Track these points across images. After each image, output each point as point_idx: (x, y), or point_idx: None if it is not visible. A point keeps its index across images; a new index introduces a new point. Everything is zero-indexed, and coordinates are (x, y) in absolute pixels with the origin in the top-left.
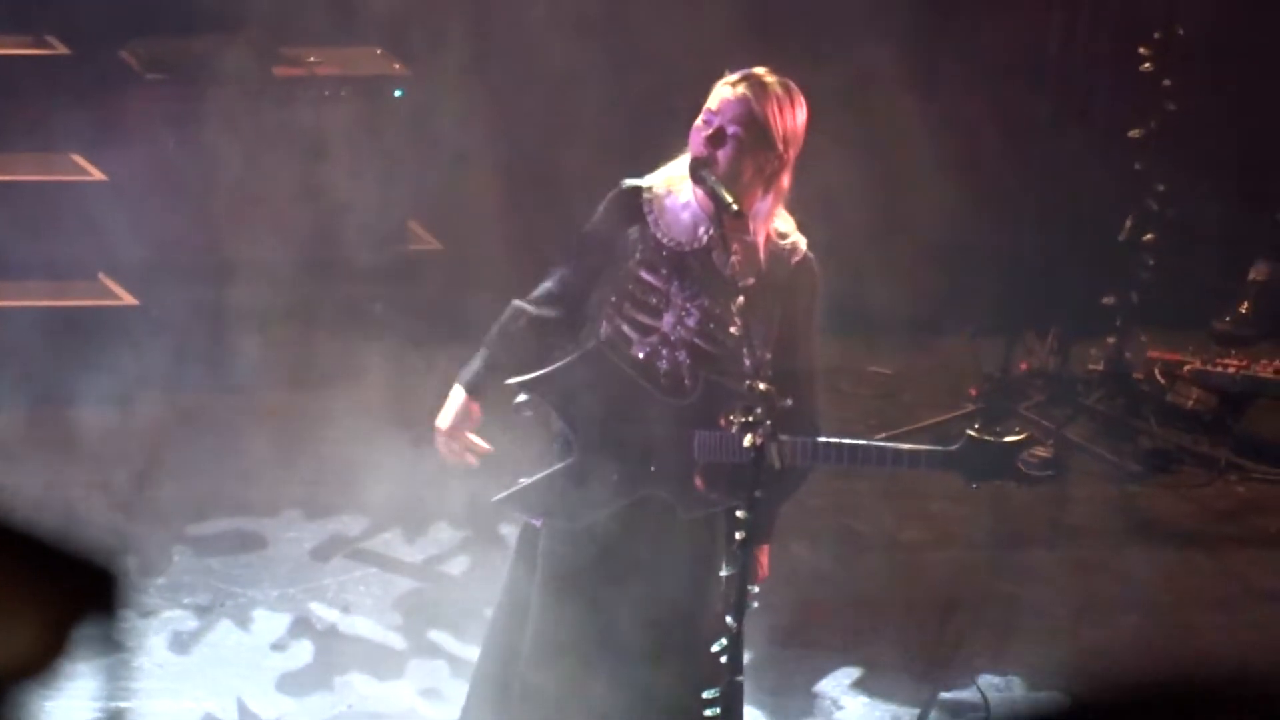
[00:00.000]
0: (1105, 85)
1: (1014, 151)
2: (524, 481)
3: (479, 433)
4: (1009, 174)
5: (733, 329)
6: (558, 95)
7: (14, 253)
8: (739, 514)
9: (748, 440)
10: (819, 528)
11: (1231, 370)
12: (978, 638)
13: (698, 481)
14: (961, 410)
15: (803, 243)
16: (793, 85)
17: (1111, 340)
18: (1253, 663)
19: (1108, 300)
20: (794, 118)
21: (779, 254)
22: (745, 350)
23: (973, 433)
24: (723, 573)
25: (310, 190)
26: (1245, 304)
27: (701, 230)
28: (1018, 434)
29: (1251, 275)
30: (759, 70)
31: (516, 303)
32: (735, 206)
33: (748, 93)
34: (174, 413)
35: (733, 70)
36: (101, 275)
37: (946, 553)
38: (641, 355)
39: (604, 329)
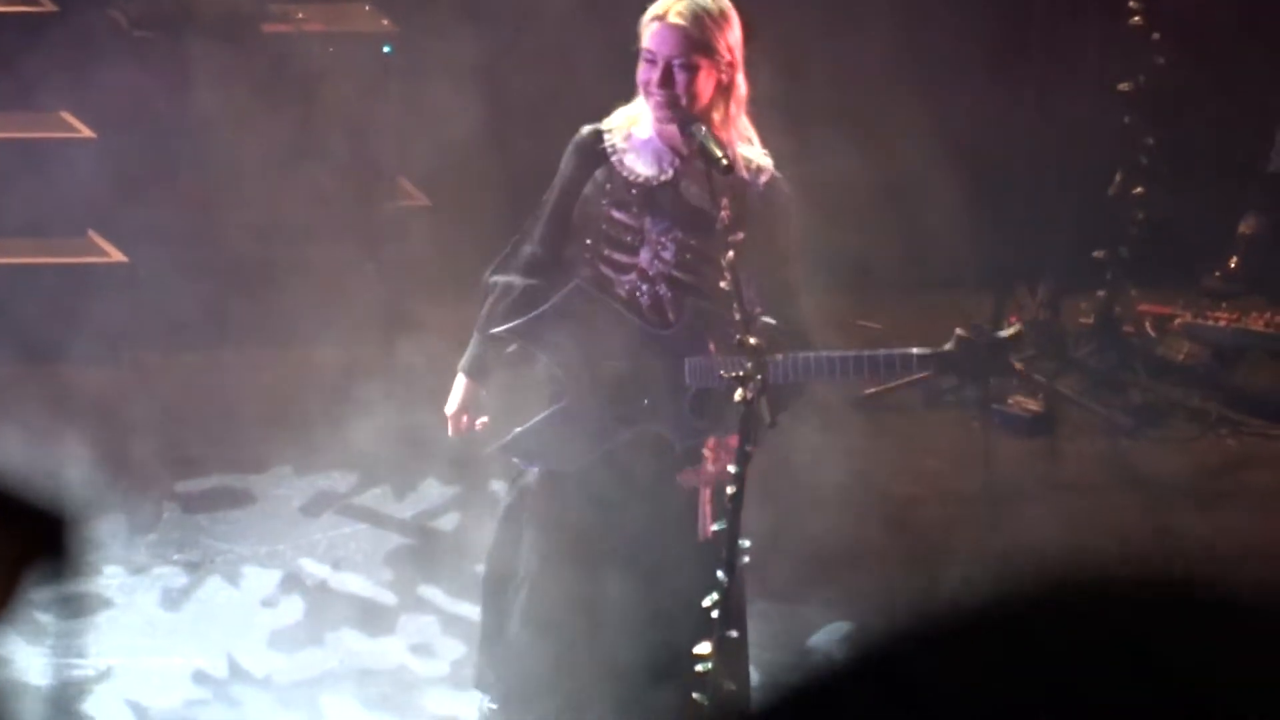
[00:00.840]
0: (1094, 38)
1: (1003, 105)
2: (518, 430)
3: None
4: (998, 127)
5: (722, 284)
6: (549, 49)
7: (3, 211)
8: (729, 468)
9: (738, 395)
10: (810, 483)
11: (1222, 323)
12: (969, 592)
13: (689, 409)
14: None
15: (769, 164)
16: None
17: (1101, 294)
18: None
19: (1098, 254)
20: (725, 19)
21: (748, 180)
22: (735, 304)
23: (962, 332)
24: (714, 527)
25: (299, 147)
26: (1235, 258)
27: (666, 163)
28: (1009, 328)
29: (1241, 229)
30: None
31: (500, 278)
32: (725, 161)
33: (675, 19)
34: (163, 370)
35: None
36: (91, 233)
37: (939, 508)
38: (623, 293)
39: (584, 273)
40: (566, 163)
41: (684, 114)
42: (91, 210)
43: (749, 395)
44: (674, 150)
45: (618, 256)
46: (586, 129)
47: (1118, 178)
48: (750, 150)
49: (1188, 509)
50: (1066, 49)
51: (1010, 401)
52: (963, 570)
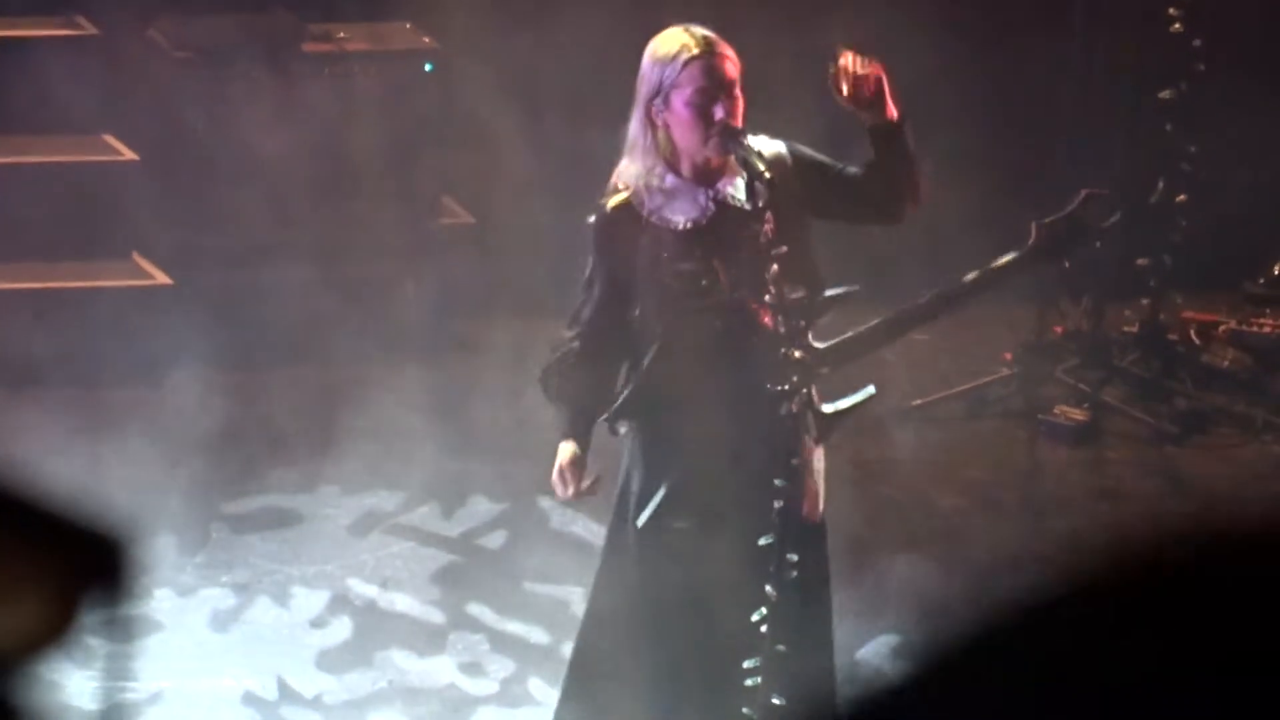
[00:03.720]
0: (1133, 44)
1: (1043, 113)
2: (662, 492)
3: None
4: (1038, 137)
5: (767, 297)
6: (589, 66)
7: (48, 234)
8: (777, 482)
9: (784, 409)
10: (855, 496)
11: (1267, 330)
12: (1016, 602)
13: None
14: (995, 375)
15: (766, 142)
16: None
17: (1146, 302)
18: None
19: (1141, 262)
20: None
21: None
22: (780, 318)
23: (1038, 222)
24: (761, 541)
25: (342, 167)
26: (1278, 265)
27: (703, 198)
28: (1078, 199)
29: None
30: (687, 29)
31: (564, 347)
32: (769, 174)
33: (721, 50)
34: (208, 391)
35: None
36: (135, 255)
37: (983, 518)
38: (718, 328)
39: (658, 333)
40: (601, 246)
41: (741, 141)
42: (136, 233)
43: (795, 408)
44: (700, 182)
45: (699, 302)
46: (607, 208)
47: (1160, 185)
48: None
49: (1233, 516)
50: (1106, 56)
51: (1055, 411)
52: (1009, 580)
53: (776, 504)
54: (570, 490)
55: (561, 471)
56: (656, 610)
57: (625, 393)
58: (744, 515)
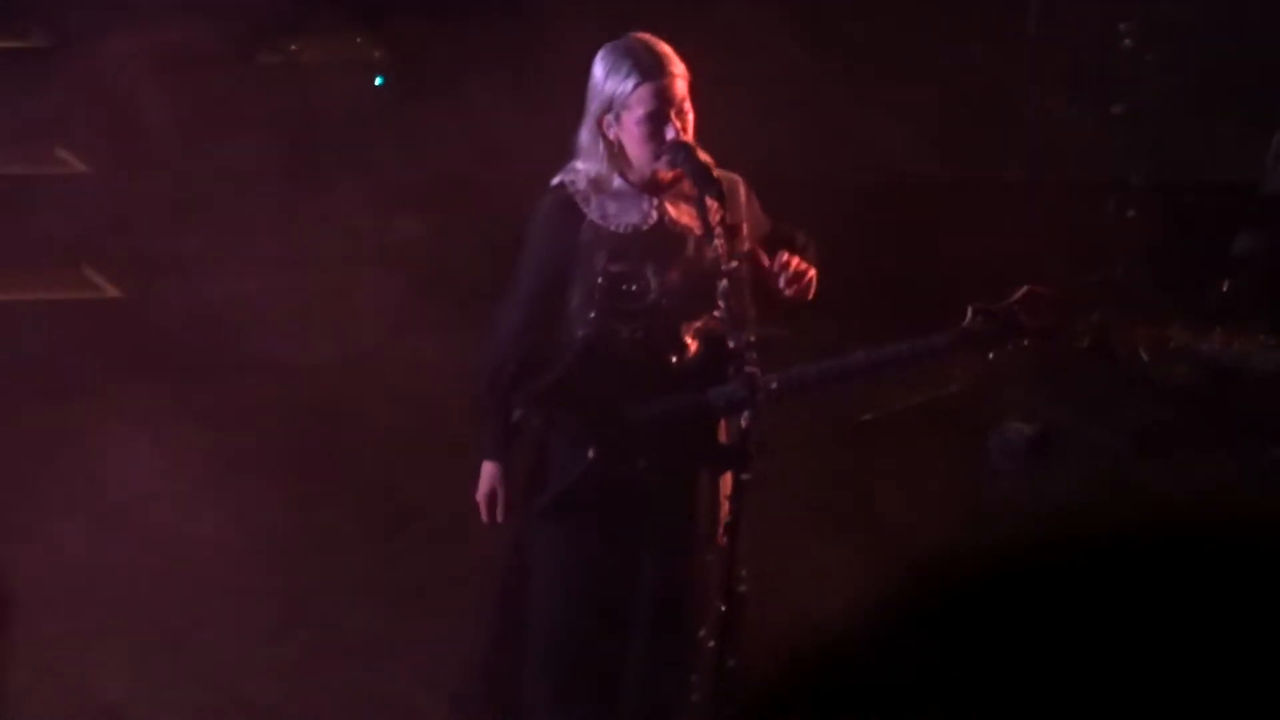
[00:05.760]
0: (1088, 60)
1: (997, 126)
2: (557, 491)
3: None
4: (991, 150)
5: (716, 313)
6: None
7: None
8: (724, 499)
9: (733, 423)
10: (806, 508)
11: (1218, 345)
12: (967, 609)
13: (721, 433)
14: (945, 390)
15: (723, 173)
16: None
17: (1097, 317)
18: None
19: (1093, 278)
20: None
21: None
22: (731, 333)
23: (975, 307)
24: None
25: (293, 179)
26: (1229, 279)
27: (647, 205)
28: (1019, 292)
29: (1235, 249)
30: (641, 39)
31: (494, 360)
32: (720, 188)
33: (672, 70)
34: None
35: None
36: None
37: (937, 530)
38: (635, 336)
39: (585, 328)
40: (542, 229)
41: (691, 155)
42: (85, 245)
43: (744, 424)
44: (647, 190)
45: (623, 305)
46: (551, 196)
47: (1111, 201)
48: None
49: (1185, 529)
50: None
51: (1007, 425)
52: (960, 588)
53: (725, 519)
54: (500, 513)
55: (492, 495)
56: (565, 600)
57: (547, 385)
58: (644, 522)
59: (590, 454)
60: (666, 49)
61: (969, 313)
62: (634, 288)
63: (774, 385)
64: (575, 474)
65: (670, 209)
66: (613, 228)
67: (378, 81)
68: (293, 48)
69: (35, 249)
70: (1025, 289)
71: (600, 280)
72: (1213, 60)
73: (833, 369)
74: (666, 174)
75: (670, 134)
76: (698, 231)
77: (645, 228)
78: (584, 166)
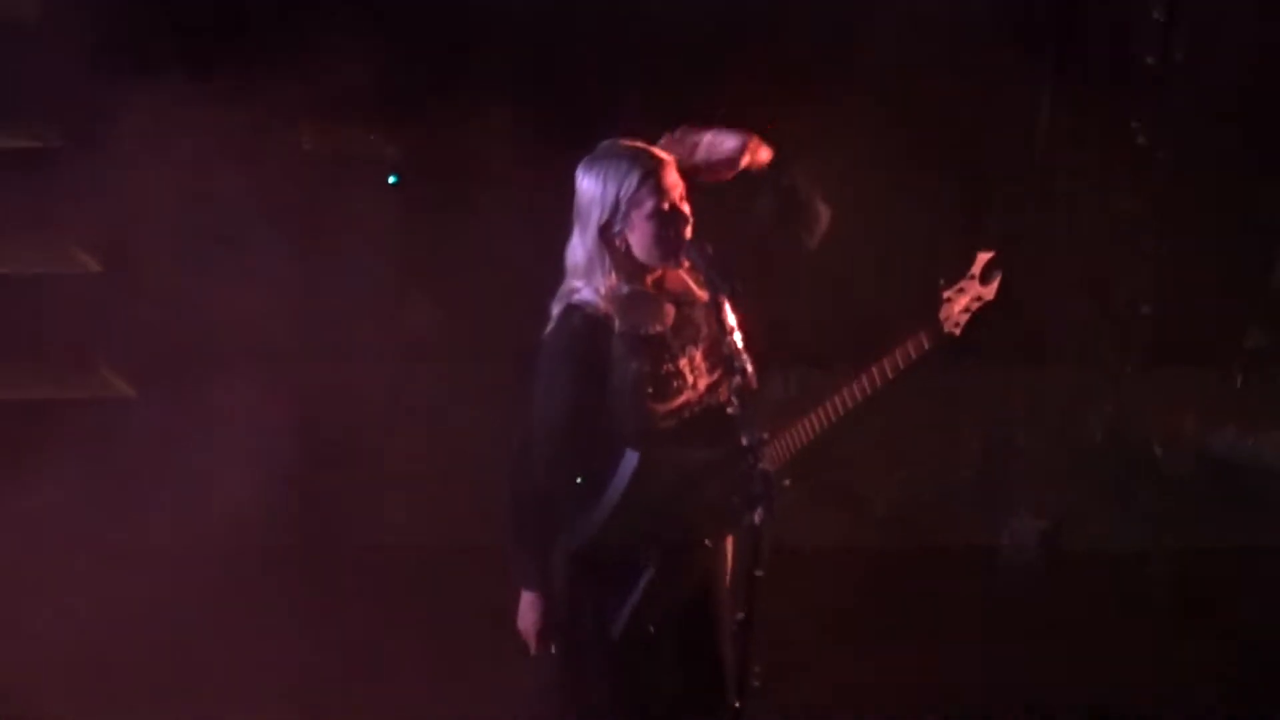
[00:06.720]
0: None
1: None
2: (626, 609)
3: None
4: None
5: (729, 410)
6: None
7: (10, 345)
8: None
9: (757, 518)
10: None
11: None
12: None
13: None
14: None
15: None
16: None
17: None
18: None
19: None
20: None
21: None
22: (744, 432)
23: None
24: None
25: (309, 273)
26: (1258, 326)
27: (665, 304)
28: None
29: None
30: (618, 141)
31: (535, 488)
32: (733, 282)
33: (661, 156)
34: None
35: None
36: (101, 367)
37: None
38: (678, 423)
39: (626, 435)
40: (575, 350)
41: (701, 250)
42: (100, 344)
43: (758, 520)
44: (659, 290)
45: (662, 404)
46: (578, 314)
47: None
48: None
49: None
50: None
51: (1015, 523)
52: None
53: (739, 615)
54: (548, 643)
55: (539, 629)
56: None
57: (602, 520)
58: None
59: (650, 573)
60: (654, 152)
61: (941, 296)
62: (675, 385)
63: (786, 483)
64: (639, 594)
65: (671, 289)
66: (644, 334)
67: (392, 180)
68: (303, 141)
69: (47, 346)
70: (982, 256)
71: (642, 386)
72: None
73: (833, 409)
74: (673, 270)
75: (680, 224)
76: (699, 295)
77: (670, 324)
78: (587, 283)
